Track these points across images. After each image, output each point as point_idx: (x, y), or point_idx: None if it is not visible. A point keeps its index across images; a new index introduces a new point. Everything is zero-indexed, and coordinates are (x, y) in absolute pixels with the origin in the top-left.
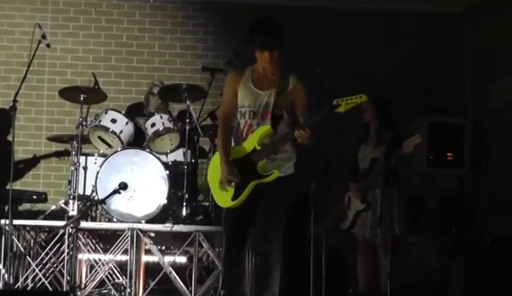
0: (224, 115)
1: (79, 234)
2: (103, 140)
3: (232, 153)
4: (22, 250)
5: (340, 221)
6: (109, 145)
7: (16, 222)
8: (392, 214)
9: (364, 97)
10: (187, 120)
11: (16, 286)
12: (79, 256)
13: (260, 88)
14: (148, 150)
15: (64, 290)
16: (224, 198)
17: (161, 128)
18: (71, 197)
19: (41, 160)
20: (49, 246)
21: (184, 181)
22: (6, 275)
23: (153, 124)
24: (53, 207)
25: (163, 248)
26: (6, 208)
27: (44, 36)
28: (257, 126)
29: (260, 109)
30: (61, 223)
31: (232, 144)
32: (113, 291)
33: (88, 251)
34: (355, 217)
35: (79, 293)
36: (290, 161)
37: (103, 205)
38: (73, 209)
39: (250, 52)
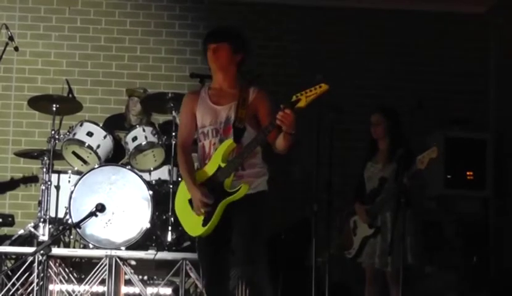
0: (183, 142)
1: (50, 262)
2: (78, 156)
3: (197, 178)
4: None
5: (344, 249)
6: (85, 162)
7: None
8: (405, 241)
9: (324, 86)
10: (173, 133)
11: None
12: (51, 287)
13: (219, 104)
14: (129, 167)
15: None
16: (194, 226)
17: (143, 142)
18: (42, 219)
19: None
20: (16, 276)
21: (169, 203)
22: None
23: (134, 138)
24: (21, 231)
25: (145, 278)
26: None
27: (11, 38)
28: (220, 143)
29: (221, 125)
30: (31, 249)
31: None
32: None
33: (60, 281)
34: (362, 244)
35: None
36: (261, 177)
37: (78, 230)
38: (43, 234)
39: (206, 63)
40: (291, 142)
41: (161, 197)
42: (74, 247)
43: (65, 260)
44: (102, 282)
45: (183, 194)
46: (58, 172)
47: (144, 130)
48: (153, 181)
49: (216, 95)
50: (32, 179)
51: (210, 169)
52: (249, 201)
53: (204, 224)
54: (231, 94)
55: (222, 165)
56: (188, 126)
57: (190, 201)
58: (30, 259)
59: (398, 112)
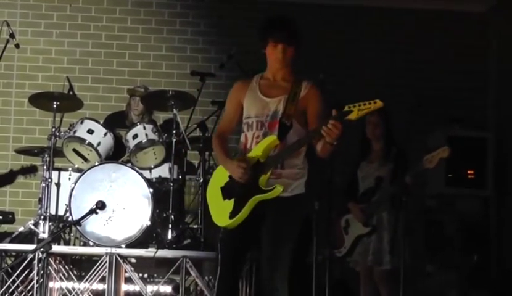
0: (221, 131)
1: (50, 260)
2: (78, 154)
3: None
4: None
5: (334, 248)
6: (85, 159)
7: None
8: (404, 240)
9: (379, 103)
10: (174, 131)
11: None
12: (51, 284)
13: (268, 95)
14: (129, 164)
15: None
16: (221, 216)
17: (144, 140)
18: (42, 217)
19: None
20: (16, 273)
21: (169, 200)
22: None
23: (135, 136)
24: (21, 229)
25: (146, 276)
26: None
27: (12, 35)
28: (264, 137)
29: (267, 119)
30: (31, 247)
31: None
32: None
33: (60, 279)
34: (355, 243)
35: None
36: (300, 179)
37: (78, 227)
38: (43, 232)
39: (260, 49)
40: (329, 152)
41: (162, 195)
42: (74, 245)
43: (65, 257)
44: (102, 280)
45: (216, 181)
46: (59, 169)
47: (144, 128)
48: (154, 179)
49: (267, 85)
50: (31, 170)
51: (249, 160)
52: (284, 205)
53: (231, 216)
54: (282, 87)
55: (262, 160)
56: (231, 116)
57: (222, 189)
58: (30, 256)
59: (391, 112)
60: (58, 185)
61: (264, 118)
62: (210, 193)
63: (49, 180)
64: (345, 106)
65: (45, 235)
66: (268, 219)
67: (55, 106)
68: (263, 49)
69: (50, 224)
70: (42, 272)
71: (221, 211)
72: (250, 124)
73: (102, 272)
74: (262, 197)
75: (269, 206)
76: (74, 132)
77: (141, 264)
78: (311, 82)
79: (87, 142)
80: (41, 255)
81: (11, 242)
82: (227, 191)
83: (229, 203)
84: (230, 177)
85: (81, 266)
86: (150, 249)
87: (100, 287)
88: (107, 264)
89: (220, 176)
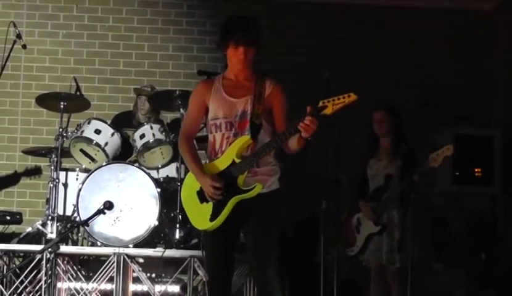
0: (188, 132)
1: (58, 260)
2: (85, 154)
3: (206, 171)
4: None
5: (346, 247)
6: (92, 159)
7: None
8: (412, 238)
9: (353, 96)
10: None
11: None
12: (59, 284)
13: (234, 96)
14: (137, 164)
15: None
16: (201, 220)
17: (151, 140)
18: (50, 217)
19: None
20: (24, 274)
21: (177, 200)
22: None
23: (142, 136)
24: (29, 229)
25: (153, 275)
26: None
27: (19, 36)
28: (235, 138)
29: (236, 119)
30: (38, 247)
31: (206, 162)
32: None
33: (68, 279)
34: (366, 241)
35: None
36: (275, 175)
37: (86, 227)
38: (51, 232)
39: (222, 52)
40: (303, 146)
41: (169, 195)
42: (82, 245)
43: (73, 258)
44: (110, 280)
45: (190, 186)
46: (66, 170)
47: (151, 127)
48: (161, 179)
49: (231, 86)
50: (35, 171)
51: (222, 163)
52: (263, 201)
53: (212, 219)
54: (246, 87)
55: (237, 161)
56: (196, 116)
57: (197, 193)
58: (38, 257)
59: (400, 109)
60: (65, 185)
61: (232, 118)
62: (185, 198)
63: (57, 180)
64: (319, 102)
65: (53, 236)
66: (249, 217)
67: (62, 106)
68: (224, 51)
69: (58, 224)
70: (50, 272)
71: (199, 215)
72: (218, 125)
73: (110, 272)
74: (243, 197)
75: (249, 205)
76: (82, 132)
77: (149, 264)
78: (274, 79)
79: (94, 142)
80: (49, 256)
81: (19, 242)
82: (203, 195)
83: (208, 206)
84: None
85: (89, 266)
86: (157, 249)
87: (108, 287)
88: (115, 264)
89: (194, 181)
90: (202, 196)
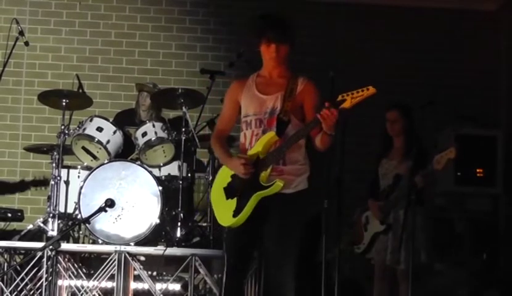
0: (220, 131)
1: (59, 257)
2: (87, 151)
3: None
4: None
5: (353, 243)
6: (94, 157)
7: None
8: (417, 238)
9: (372, 89)
10: (183, 129)
11: None
12: (59, 282)
13: (265, 93)
14: (138, 162)
15: None
16: (225, 216)
17: (153, 138)
18: (51, 215)
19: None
20: (25, 271)
21: (179, 198)
22: None
23: (144, 134)
24: (30, 226)
25: (155, 274)
26: None
27: (21, 33)
28: (263, 134)
29: (266, 116)
30: (40, 245)
31: None
32: None
33: (69, 276)
34: (372, 240)
35: None
36: (303, 174)
37: (87, 225)
38: (52, 229)
39: (255, 49)
40: (329, 143)
41: (171, 193)
42: (83, 242)
43: (74, 255)
44: (111, 278)
45: (220, 183)
46: (68, 167)
47: (153, 125)
48: (163, 177)
49: (264, 83)
50: (42, 183)
51: (249, 158)
52: (287, 202)
53: (235, 215)
54: (279, 83)
55: (261, 157)
56: (229, 115)
57: (224, 189)
58: (39, 254)
59: (412, 109)
60: (67, 183)
61: (262, 115)
62: (213, 195)
63: (58, 178)
64: (338, 96)
65: (54, 233)
66: (272, 216)
67: (64, 104)
68: (258, 48)
69: (59, 222)
70: (51, 270)
71: (225, 211)
72: (248, 122)
73: (111, 270)
74: (264, 193)
75: (272, 204)
76: (84, 130)
77: (150, 262)
78: (307, 77)
79: (96, 139)
80: (49, 253)
81: (20, 239)
82: (229, 191)
83: (232, 202)
84: (232, 177)
85: (90, 264)
86: (159, 247)
87: (109, 285)
88: (116, 262)
89: (223, 178)
90: (228, 192)
